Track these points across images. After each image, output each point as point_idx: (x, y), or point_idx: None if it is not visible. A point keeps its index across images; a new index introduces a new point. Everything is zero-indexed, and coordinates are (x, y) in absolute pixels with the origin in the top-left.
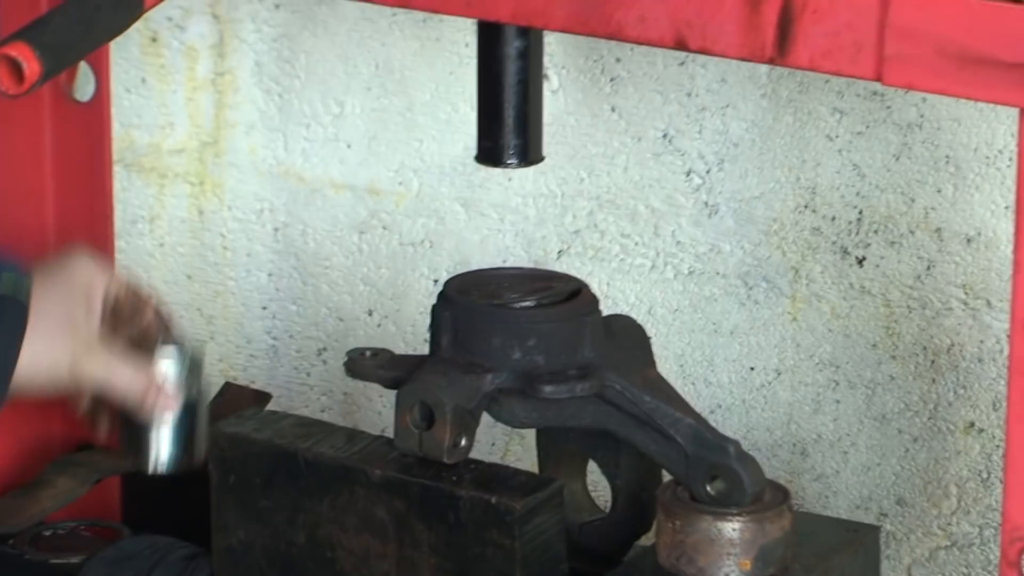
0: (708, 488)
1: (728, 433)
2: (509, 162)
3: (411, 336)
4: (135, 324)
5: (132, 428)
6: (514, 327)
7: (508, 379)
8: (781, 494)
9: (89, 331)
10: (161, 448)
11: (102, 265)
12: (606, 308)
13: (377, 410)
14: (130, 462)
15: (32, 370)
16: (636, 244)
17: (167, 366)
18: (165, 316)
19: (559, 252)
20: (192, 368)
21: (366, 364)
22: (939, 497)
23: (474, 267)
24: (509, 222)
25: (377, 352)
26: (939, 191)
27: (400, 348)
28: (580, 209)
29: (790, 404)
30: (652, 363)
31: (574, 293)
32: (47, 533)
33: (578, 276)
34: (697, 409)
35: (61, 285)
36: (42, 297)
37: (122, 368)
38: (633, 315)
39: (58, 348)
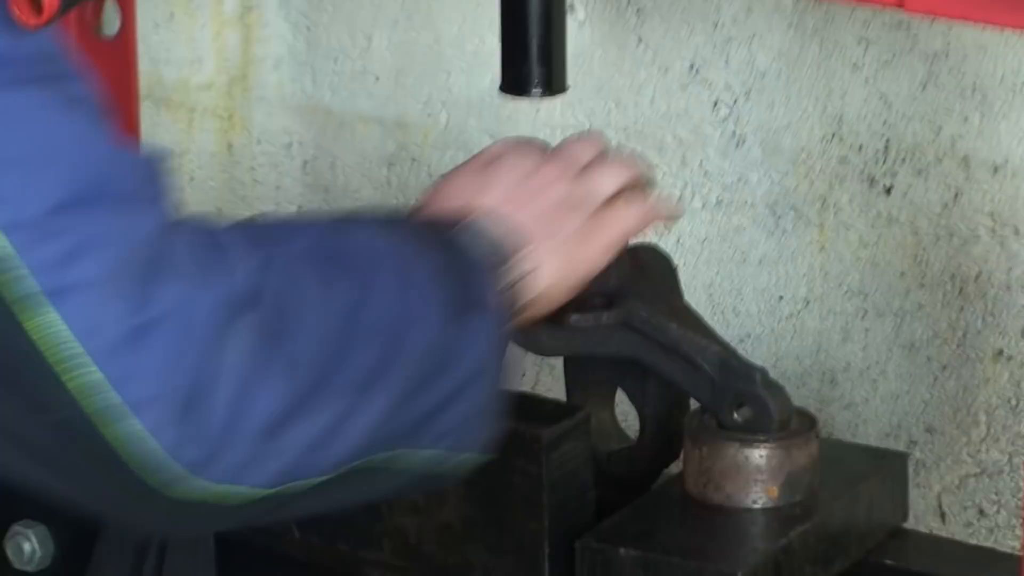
0: (735, 415)
1: (757, 362)
2: (534, 91)
3: None
4: None
5: None
6: None
7: None
8: (808, 421)
9: None
10: None
11: None
12: (635, 239)
13: None
14: None
15: None
16: (664, 175)
17: None
18: None
19: None
20: None
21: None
22: (968, 425)
23: None
24: None
25: None
26: (966, 120)
27: None
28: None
29: (819, 333)
30: (679, 292)
31: None
32: None
33: None
34: (726, 339)
35: None
36: None
37: None
38: (661, 245)
39: None
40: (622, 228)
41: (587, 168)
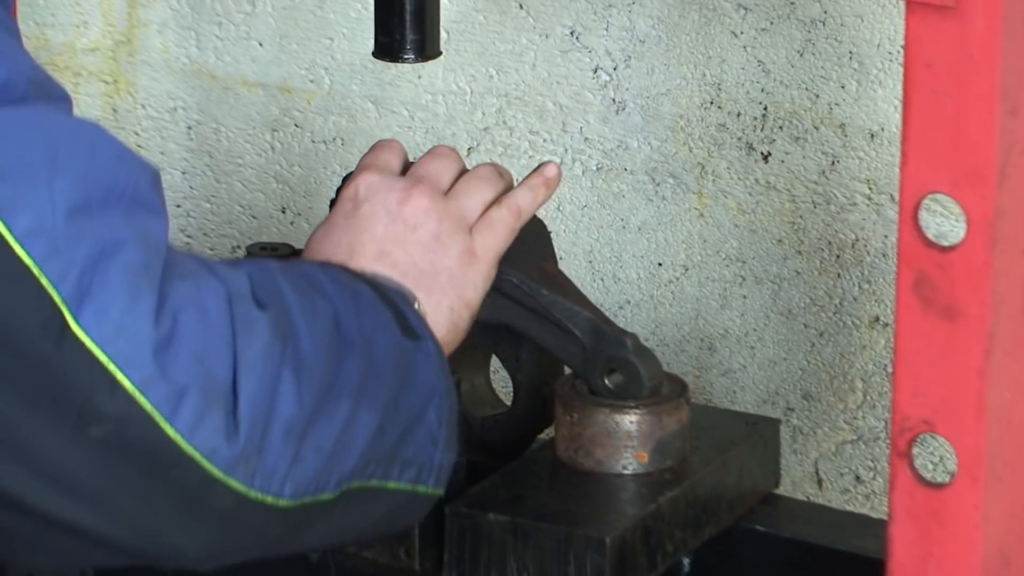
0: (606, 381)
1: (637, 329)
2: (406, 57)
3: None
4: None
5: None
6: None
7: None
8: (679, 387)
9: None
10: None
11: None
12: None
13: None
14: None
15: None
16: (544, 141)
17: None
18: None
19: (468, 149)
20: None
21: (261, 255)
22: (845, 391)
23: None
24: (419, 119)
25: (277, 246)
26: (843, 87)
27: None
28: (489, 106)
29: (697, 300)
30: (553, 258)
31: None
32: None
33: None
34: (606, 305)
35: None
36: None
37: None
38: (543, 211)
39: None
40: (496, 241)
41: (451, 191)
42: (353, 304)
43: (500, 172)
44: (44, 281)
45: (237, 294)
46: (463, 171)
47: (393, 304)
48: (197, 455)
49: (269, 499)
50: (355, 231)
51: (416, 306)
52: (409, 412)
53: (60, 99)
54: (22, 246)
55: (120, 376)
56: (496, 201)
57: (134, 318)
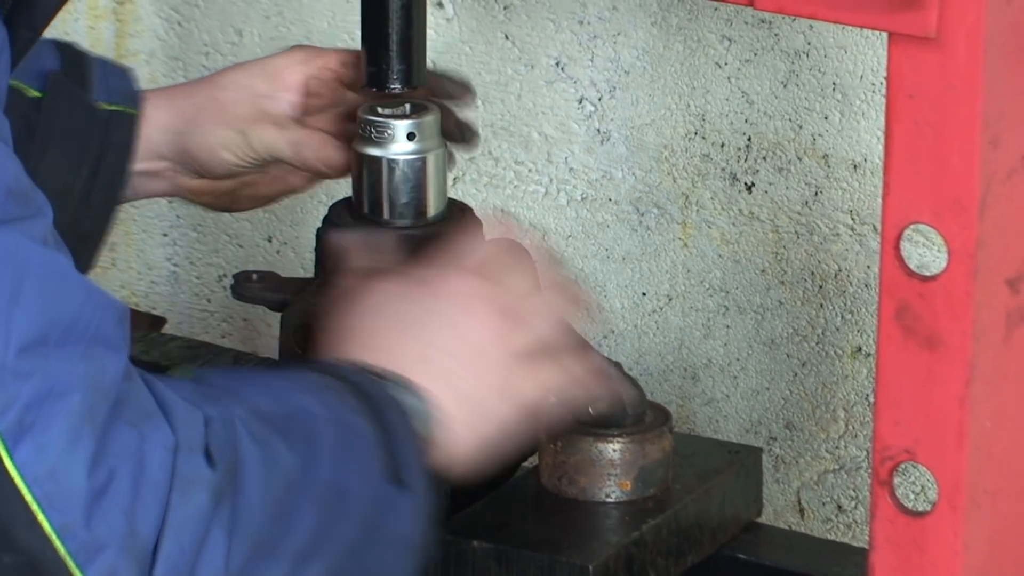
0: (589, 409)
1: (621, 358)
2: (393, 87)
3: (309, 262)
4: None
5: None
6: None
7: None
8: (662, 416)
9: (273, 106)
10: None
11: (311, 53)
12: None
13: (275, 335)
14: None
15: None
16: (530, 171)
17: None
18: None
19: (454, 179)
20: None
21: (252, 287)
22: (827, 421)
23: None
24: None
25: (264, 275)
26: (826, 118)
27: (298, 274)
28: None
29: (681, 329)
30: (537, 286)
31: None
32: None
33: (473, 203)
34: (589, 334)
35: (248, 66)
36: (222, 74)
37: (311, 138)
38: (526, 240)
39: (229, 122)
40: (542, 387)
41: (518, 302)
42: (337, 449)
43: (576, 299)
44: None
45: (185, 447)
46: (537, 286)
47: (391, 447)
48: None
49: None
50: (414, 322)
51: (433, 427)
52: (373, 564)
53: (38, 213)
54: None
55: (41, 517)
56: (561, 354)
57: (69, 464)
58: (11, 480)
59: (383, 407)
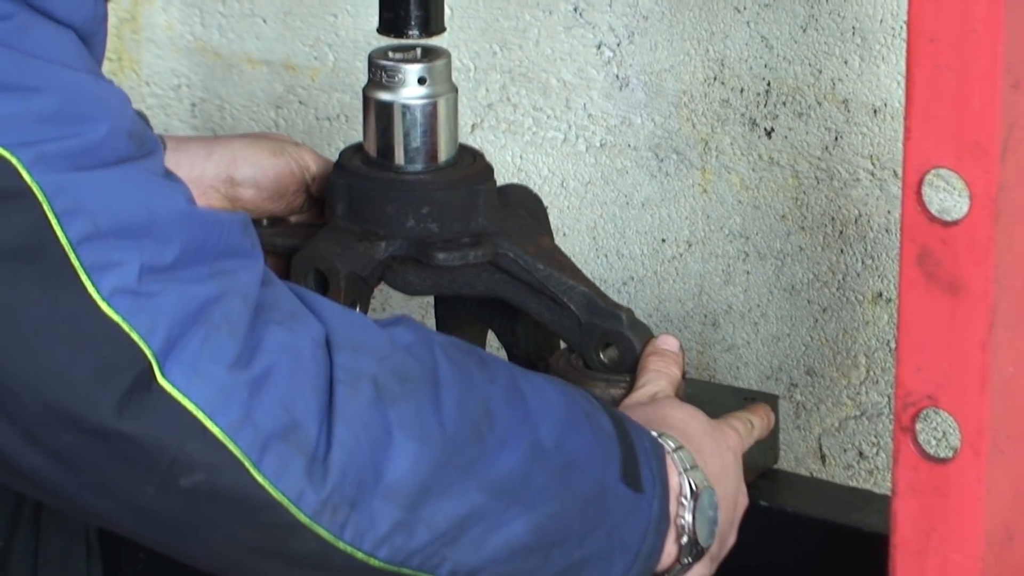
0: (600, 355)
1: (640, 305)
2: (411, 33)
3: None
4: None
5: None
6: (407, 195)
7: (402, 247)
8: None
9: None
10: None
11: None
12: (520, 181)
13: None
14: None
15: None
16: (548, 117)
17: None
18: None
19: (473, 126)
20: None
21: (263, 232)
22: (848, 367)
23: None
24: None
25: (275, 221)
26: (846, 62)
27: None
28: (493, 83)
29: (701, 275)
30: (548, 232)
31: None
32: None
33: (491, 149)
34: (609, 281)
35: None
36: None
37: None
38: (546, 188)
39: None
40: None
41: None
42: (564, 416)
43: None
44: (135, 336)
45: (345, 344)
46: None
47: (631, 451)
48: (284, 500)
49: (360, 555)
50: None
51: (688, 479)
52: (589, 553)
53: (153, 151)
54: (110, 304)
55: (209, 423)
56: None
57: (221, 369)
58: (170, 396)
59: (628, 423)
